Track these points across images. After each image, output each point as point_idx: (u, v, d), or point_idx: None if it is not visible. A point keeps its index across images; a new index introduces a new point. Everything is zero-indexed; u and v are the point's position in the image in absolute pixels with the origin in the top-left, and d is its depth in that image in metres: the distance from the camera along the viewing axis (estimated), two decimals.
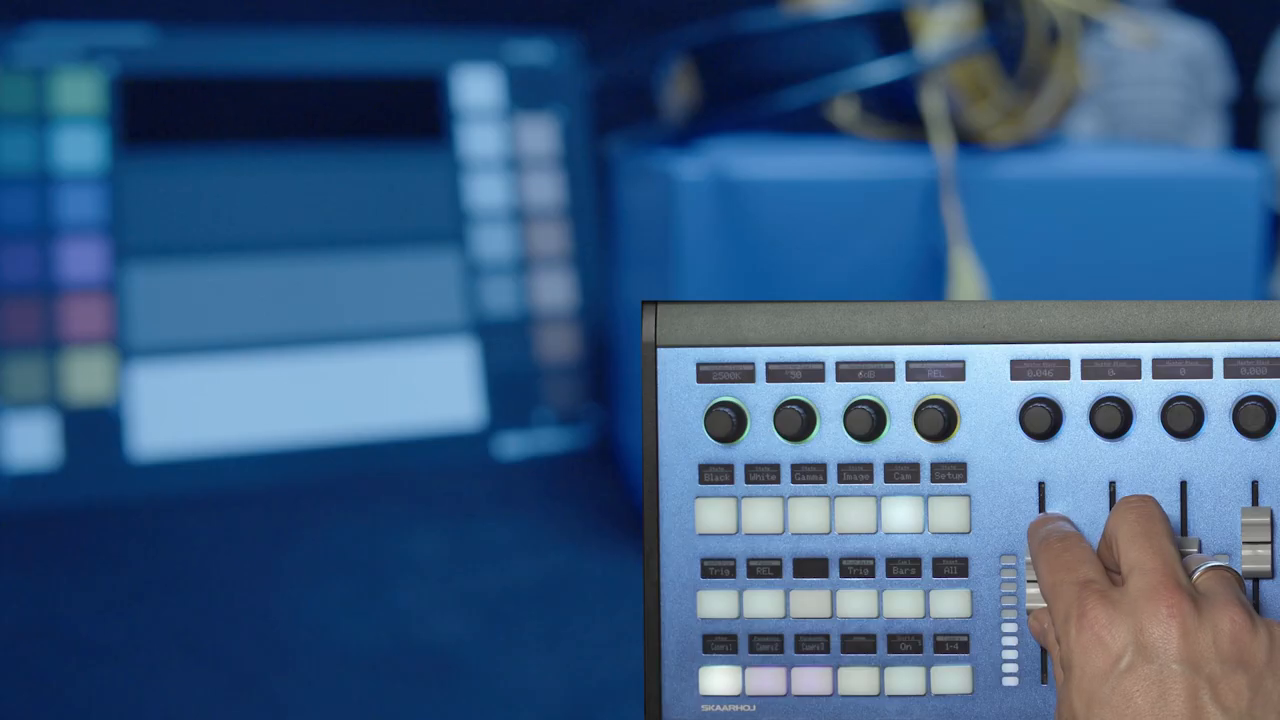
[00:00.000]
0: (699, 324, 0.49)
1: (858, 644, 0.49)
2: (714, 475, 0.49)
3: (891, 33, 0.68)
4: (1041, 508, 0.48)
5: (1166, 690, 0.40)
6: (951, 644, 0.49)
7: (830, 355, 0.49)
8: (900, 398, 0.49)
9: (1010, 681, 0.48)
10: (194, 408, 0.87)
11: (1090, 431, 0.48)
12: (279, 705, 0.58)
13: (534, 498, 0.84)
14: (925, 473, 0.49)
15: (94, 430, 0.85)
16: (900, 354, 0.49)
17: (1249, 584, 0.47)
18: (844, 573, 0.49)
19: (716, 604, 0.50)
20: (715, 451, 0.49)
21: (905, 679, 0.49)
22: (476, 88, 0.99)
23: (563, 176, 1.00)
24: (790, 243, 0.68)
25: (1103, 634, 0.41)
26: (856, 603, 0.49)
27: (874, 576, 0.49)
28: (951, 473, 0.48)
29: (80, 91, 0.90)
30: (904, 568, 0.49)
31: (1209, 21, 1.15)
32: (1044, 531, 0.47)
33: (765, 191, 0.67)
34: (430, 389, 0.92)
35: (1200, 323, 0.48)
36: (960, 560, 0.49)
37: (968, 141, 0.75)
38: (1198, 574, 0.45)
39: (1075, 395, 0.48)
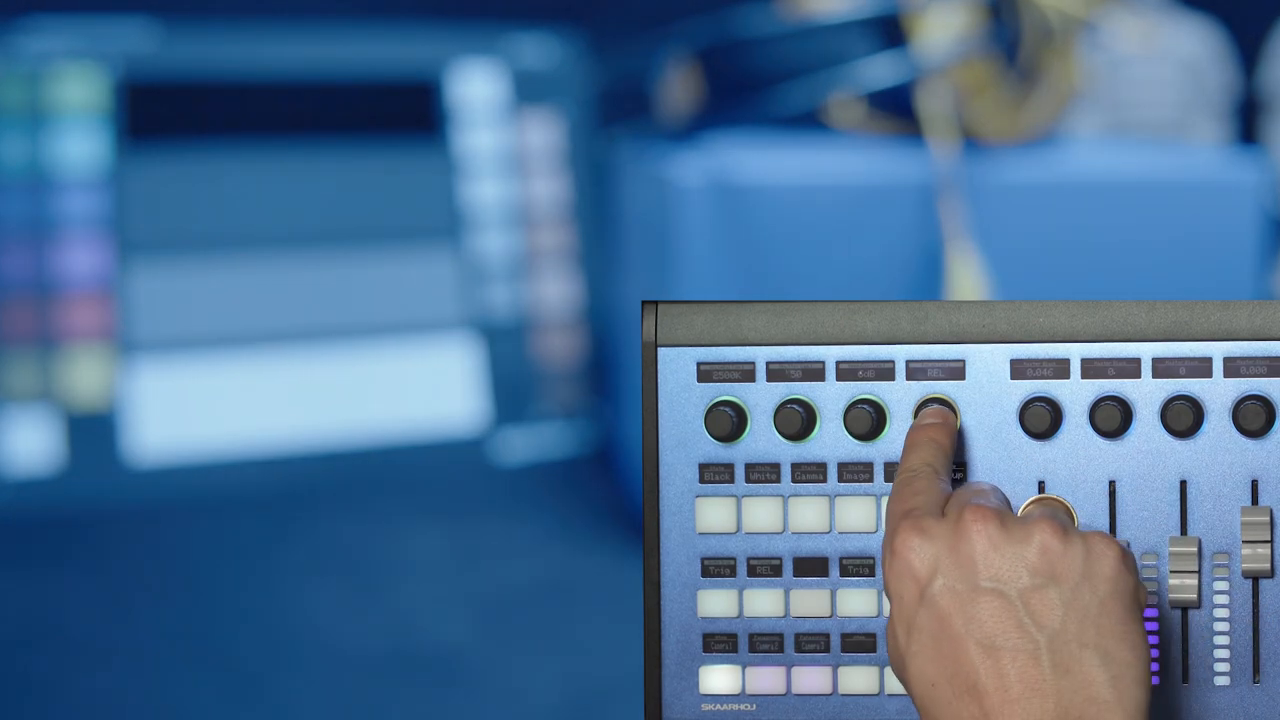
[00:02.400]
0: (699, 324, 0.49)
1: (858, 643, 0.49)
2: (714, 474, 0.49)
3: (892, 35, 0.68)
4: None
5: (978, 609, 0.39)
6: None
7: (830, 355, 0.49)
8: (900, 397, 0.49)
9: None
10: (193, 408, 0.87)
11: (1090, 431, 0.48)
12: (279, 705, 0.58)
13: (534, 497, 0.84)
14: None
15: (93, 432, 0.85)
16: (900, 353, 0.49)
17: (1249, 583, 0.47)
18: (844, 572, 0.49)
19: (716, 603, 0.50)
20: (715, 451, 0.49)
21: None
22: (478, 84, 0.99)
23: (564, 174, 0.99)
24: (790, 243, 0.68)
25: (911, 559, 0.41)
26: (856, 602, 0.49)
27: (874, 576, 0.49)
28: (952, 472, 0.48)
29: (82, 89, 0.90)
30: None
31: (1211, 17, 1.15)
32: (902, 466, 0.45)
33: (764, 194, 0.67)
34: (430, 389, 0.92)
35: (1200, 322, 0.48)
36: None
37: (968, 141, 0.75)
38: (1023, 507, 0.44)
39: (1075, 395, 0.48)
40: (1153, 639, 0.48)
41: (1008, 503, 0.45)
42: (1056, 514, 0.42)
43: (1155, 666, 0.48)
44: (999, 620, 0.39)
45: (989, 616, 0.39)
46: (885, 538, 0.43)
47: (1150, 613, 0.48)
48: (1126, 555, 0.41)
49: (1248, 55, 1.16)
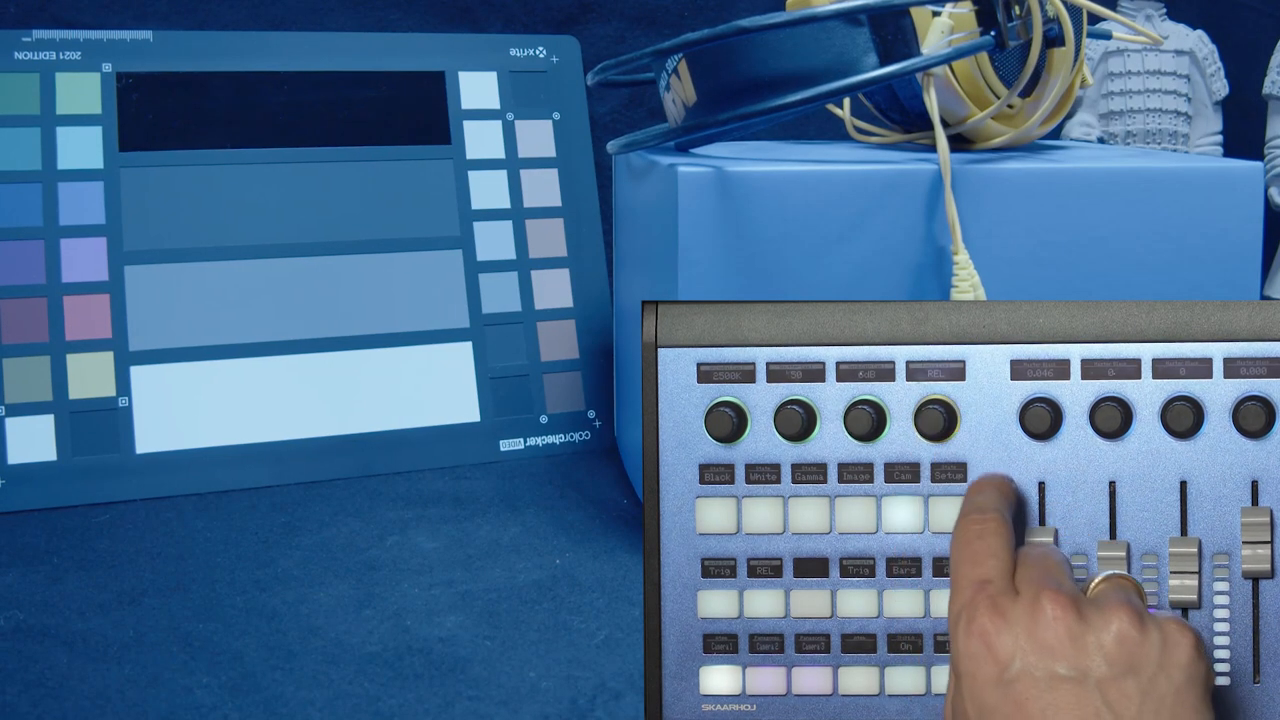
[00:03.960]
0: (699, 324, 0.50)
1: (858, 644, 0.49)
2: (714, 475, 0.50)
3: (890, 33, 0.68)
4: (1041, 507, 0.48)
5: (1056, 696, 0.39)
6: None
7: (830, 355, 0.49)
8: (900, 398, 0.49)
9: None
10: (194, 408, 0.87)
11: (1090, 431, 0.48)
12: (279, 705, 0.58)
13: (535, 497, 0.84)
14: (925, 473, 0.49)
15: (96, 430, 0.85)
16: (900, 354, 0.49)
17: (1249, 583, 0.47)
18: (844, 573, 0.49)
19: (717, 604, 0.50)
20: (715, 451, 0.50)
21: (905, 679, 0.49)
22: (477, 91, 0.99)
23: (563, 178, 1.00)
24: (791, 243, 0.68)
25: (991, 641, 0.41)
26: (856, 603, 0.49)
27: (874, 576, 0.49)
28: (952, 473, 0.49)
29: (82, 92, 0.90)
30: (904, 567, 0.49)
31: (1212, 18, 1.15)
32: (969, 505, 0.46)
33: (765, 195, 0.67)
34: (432, 389, 0.92)
35: (1200, 323, 0.48)
36: None
37: (968, 142, 0.75)
38: (1093, 584, 0.44)
39: (1075, 395, 0.48)
40: None
41: (1069, 564, 0.45)
42: (1130, 598, 0.42)
43: None
44: (1076, 709, 0.39)
45: (1067, 705, 0.39)
46: (956, 604, 0.43)
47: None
48: (1200, 642, 0.41)
49: (1248, 55, 1.16)
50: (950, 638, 0.43)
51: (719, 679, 0.50)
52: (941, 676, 0.49)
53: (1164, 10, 1.12)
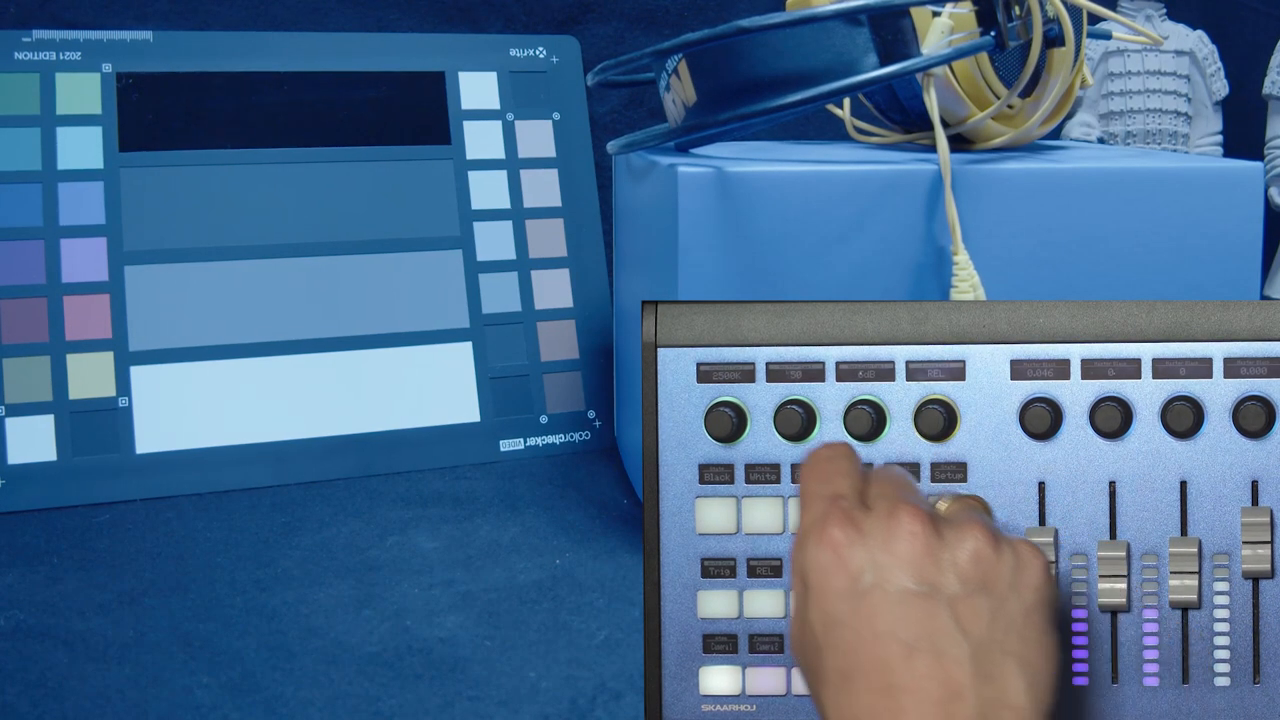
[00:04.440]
0: (699, 324, 0.50)
1: None
2: (714, 475, 0.50)
3: (890, 33, 0.68)
4: (1041, 507, 0.48)
5: (906, 610, 0.39)
6: None
7: (830, 355, 0.49)
8: (900, 398, 0.49)
9: None
10: (194, 408, 0.87)
11: (1090, 431, 0.48)
12: (279, 705, 0.58)
13: (535, 497, 0.84)
14: (925, 473, 0.49)
15: (96, 430, 0.85)
16: (900, 354, 0.49)
17: (1249, 583, 0.47)
18: None
19: (716, 604, 0.50)
20: (715, 451, 0.50)
21: None
22: (477, 91, 0.99)
23: (563, 178, 1.00)
24: (791, 243, 0.68)
25: (841, 552, 0.40)
26: None
27: None
28: (951, 473, 0.49)
29: (82, 93, 0.90)
30: None
31: (1212, 17, 1.15)
32: (818, 445, 0.46)
33: (765, 195, 0.67)
34: (432, 389, 0.92)
35: (1200, 323, 0.48)
36: None
37: (968, 142, 0.75)
38: (942, 504, 0.44)
39: (1075, 395, 0.48)
40: (1153, 639, 0.48)
41: (917, 484, 0.45)
42: (983, 517, 0.42)
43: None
44: (926, 623, 0.39)
45: (917, 619, 0.39)
46: (807, 518, 0.42)
47: (1151, 614, 0.48)
48: (1048, 565, 0.41)
49: (1248, 55, 1.16)
50: (797, 551, 0.42)
51: (719, 679, 0.50)
52: None
53: (1164, 10, 1.12)
